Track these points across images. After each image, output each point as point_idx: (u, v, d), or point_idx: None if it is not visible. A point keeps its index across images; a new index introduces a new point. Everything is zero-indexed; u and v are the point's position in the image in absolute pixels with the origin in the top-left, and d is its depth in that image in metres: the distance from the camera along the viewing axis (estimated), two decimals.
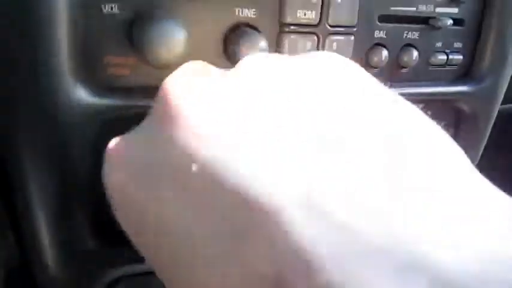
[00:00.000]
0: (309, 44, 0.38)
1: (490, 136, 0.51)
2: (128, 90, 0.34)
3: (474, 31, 0.45)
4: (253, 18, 0.36)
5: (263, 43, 0.35)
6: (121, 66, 0.33)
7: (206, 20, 0.35)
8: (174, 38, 0.31)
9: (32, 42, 0.30)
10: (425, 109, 0.44)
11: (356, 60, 0.37)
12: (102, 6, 0.32)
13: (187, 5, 0.34)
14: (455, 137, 0.49)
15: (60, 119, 0.32)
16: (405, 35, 0.42)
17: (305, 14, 0.37)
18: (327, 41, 0.38)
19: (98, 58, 0.33)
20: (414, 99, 0.37)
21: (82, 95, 0.32)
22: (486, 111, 0.48)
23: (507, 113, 0.56)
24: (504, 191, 0.17)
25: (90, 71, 0.33)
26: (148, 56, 0.31)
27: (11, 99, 0.32)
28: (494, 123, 0.50)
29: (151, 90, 0.25)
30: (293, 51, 0.37)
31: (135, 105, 0.34)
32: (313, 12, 0.37)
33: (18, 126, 0.33)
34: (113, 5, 0.32)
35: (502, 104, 0.49)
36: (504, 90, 0.48)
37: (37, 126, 0.33)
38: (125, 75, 0.34)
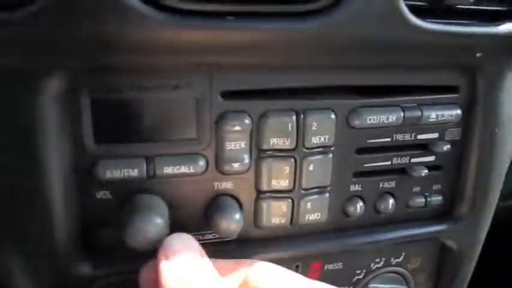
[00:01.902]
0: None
1: None
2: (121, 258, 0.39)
3: (453, 173, 0.47)
4: (231, 189, 0.40)
5: (238, 215, 0.39)
6: (112, 238, 0.38)
7: (188, 194, 0.39)
8: (150, 227, 0.35)
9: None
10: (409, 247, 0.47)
11: (333, 212, 0.42)
12: (96, 192, 0.37)
13: (172, 184, 0.38)
14: (441, 270, 0.51)
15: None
16: (381, 185, 0.45)
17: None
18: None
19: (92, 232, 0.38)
20: (396, 242, 0.41)
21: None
22: (470, 246, 0.50)
23: None
24: None
25: (85, 244, 0.38)
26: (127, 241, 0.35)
27: None
28: None
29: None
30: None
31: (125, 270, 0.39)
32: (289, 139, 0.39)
33: None
34: (105, 192, 0.37)
35: None
36: (488, 225, 0.50)
37: None
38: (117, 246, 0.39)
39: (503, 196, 0.58)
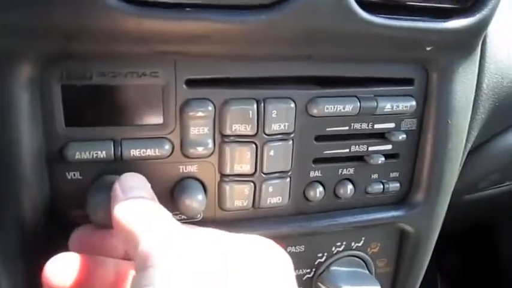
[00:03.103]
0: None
1: None
2: None
3: (409, 161, 0.50)
4: (196, 172, 0.43)
5: (200, 196, 0.41)
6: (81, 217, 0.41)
7: (154, 177, 0.41)
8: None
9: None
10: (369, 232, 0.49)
11: (294, 196, 0.44)
12: (66, 173, 0.39)
13: (138, 166, 0.41)
14: (399, 254, 0.54)
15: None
16: (340, 171, 0.48)
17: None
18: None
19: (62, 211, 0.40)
20: (356, 226, 0.43)
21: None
22: (427, 231, 0.52)
23: None
24: None
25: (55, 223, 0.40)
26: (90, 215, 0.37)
27: None
28: None
29: None
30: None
31: None
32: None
33: None
34: (75, 173, 0.40)
35: None
36: (444, 211, 0.53)
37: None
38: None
39: (466, 190, 0.61)
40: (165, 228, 0.32)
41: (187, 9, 0.34)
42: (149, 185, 0.37)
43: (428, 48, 0.43)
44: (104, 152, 0.39)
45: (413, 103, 0.47)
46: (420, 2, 0.41)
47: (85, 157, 0.38)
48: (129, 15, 0.33)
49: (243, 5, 0.35)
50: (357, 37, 0.40)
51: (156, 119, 0.40)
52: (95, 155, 0.39)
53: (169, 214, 0.34)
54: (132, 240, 0.30)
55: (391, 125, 0.48)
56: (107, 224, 0.37)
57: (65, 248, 0.40)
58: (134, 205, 0.33)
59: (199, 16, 0.34)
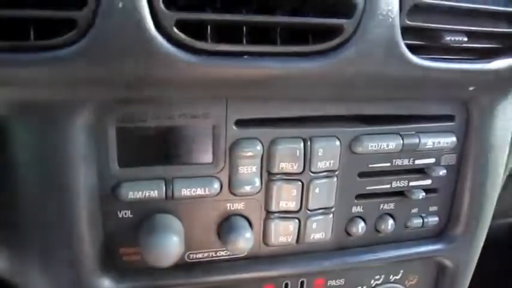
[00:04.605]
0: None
1: None
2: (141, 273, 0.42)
3: (448, 195, 0.50)
4: (243, 209, 0.43)
5: (248, 234, 0.42)
6: (132, 255, 0.41)
7: (202, 214, 0.42)
8: (167, 247, 0.38)
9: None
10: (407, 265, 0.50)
11: (336, 231, 0.45)
12: (118, 212, 0.40)
13: (187, 204, 0.41)
14: (437, 287, 0.54)
15: None
16: (381, 206, 0.48)
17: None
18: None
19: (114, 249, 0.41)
20: (395, 260, 0.43)
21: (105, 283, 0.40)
22: (464, 264, 0.53)
23: None
24: None
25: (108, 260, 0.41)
26: (148, 260, 0.38)
27: None
28: None
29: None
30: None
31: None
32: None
33: None
34: (126, 211, 0.40)
35: None
36: (481, 244, 0.53)
37: None
38: (138, 260, 0.41)
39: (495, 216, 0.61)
40: None
41: (245, 57, 0.35)
42: None
43: (471, 88, 0.44)
44: (156, 192, 0.39)
45: (454, 139, 0.47)
46: (464, 44, 0.42)
47: (138, 196, 0.39)
48: (191, 64, 0.33)
49: (299, 52, 0.36)
50: (405, 80, 0.40)
51: (206, 158, 0.41)
52: (147, 195, 0.39)
53: None
54: None
55: (432, 161, 0.48)
56: (163, 266, 0.38)
57: (114, 281, 0.41)
58: None
59: (258, 64, 0.35)
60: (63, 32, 0.31)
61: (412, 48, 0.39)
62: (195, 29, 0.33)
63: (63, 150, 0.36)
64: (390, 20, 0.36)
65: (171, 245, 0.38)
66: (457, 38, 0.40)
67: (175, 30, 0.32)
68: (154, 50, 0.32)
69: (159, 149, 0.40)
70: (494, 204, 0.53)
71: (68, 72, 0.32)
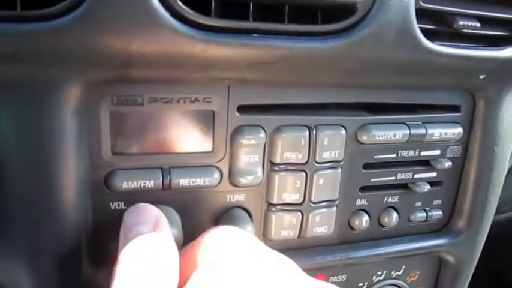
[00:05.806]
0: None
1: None
2: None
3: (452, 188, 0.49)
4: (243, 201, 0.41)
5: (249, 227, 0.39)
6: None
7: (201, 206, 0.39)
8: None
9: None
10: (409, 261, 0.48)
11: (339, 225, 0.42)
12: (110, 203, 0.37)
13: (185, 195, 0.39)
14: (438, 282, 0.52)
15: None
16: (386, 199, 0.46)
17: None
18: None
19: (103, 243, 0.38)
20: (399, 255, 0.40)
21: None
22: (467, 259, 0.51)
23: None
24: None
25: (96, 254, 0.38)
26: None
27: None
28: None
29: None
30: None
31: None
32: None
33: None
34: (119, 203, 0.37)
35: None
36: (484, 239, 0.52)
37: None
38: None
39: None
40: None
41: (254, 35, 0.32)
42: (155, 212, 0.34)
43: (481, 76, 0.42)
44: (152, 181, 0.37)
45: (460, 130, 0.46)
46: (476, 30, 0.40)
47: (132, 186, 0.36)
48: (194, 40, 0.31)
49: (310, 31, 0.33)
50: (417, 65, 0.38)
51: (206, 146, 0.38)
52: (142, 185, 0.37)
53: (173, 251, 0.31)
54: None
55: (437, 152, 0.46)
56: None
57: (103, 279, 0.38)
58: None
59: (267, 43, 0.32)
60: (56, 2, 0.27)
61: (425, 33, 0.37)
62: (199, 6, 0.31)
63: (50, 136, 0.33)
64: (406, 0, 0.34)
65: None
66: (470, 23, 0.39)
67: (179, 2, 0.29)
68: (155, 23, 0.29)
69: (156, 136, 0.37)
70: (498, 197, 0.52)
71: (60, 44, 0.28)
